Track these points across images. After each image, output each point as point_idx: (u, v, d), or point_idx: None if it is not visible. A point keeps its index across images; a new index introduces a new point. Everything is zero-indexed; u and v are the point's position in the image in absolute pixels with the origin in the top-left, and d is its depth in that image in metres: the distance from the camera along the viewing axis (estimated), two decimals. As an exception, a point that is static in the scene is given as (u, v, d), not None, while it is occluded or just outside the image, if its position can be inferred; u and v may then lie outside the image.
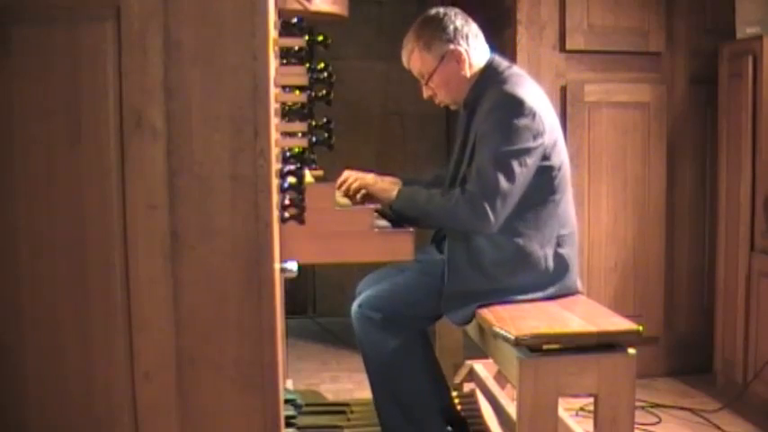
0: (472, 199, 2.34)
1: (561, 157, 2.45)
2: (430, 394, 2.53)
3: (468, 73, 2.49)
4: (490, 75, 2.48)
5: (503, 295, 2.41)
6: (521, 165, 2.33)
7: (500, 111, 2.37)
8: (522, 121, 2.33)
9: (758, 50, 3.23)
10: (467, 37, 2.48)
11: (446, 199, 2.40)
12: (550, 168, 2.41)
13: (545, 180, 2.41)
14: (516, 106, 2.35)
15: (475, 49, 2.50)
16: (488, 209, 2.32)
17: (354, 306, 2.50)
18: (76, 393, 1.39)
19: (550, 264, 2.43)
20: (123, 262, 1.37)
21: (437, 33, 2.47)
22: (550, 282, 2.45)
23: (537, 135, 2.35)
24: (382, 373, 2.49)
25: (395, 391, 2.48)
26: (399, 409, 2.48)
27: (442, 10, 2.52)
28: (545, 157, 2.39)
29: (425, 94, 2.56)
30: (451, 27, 2.47)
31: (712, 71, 3.56)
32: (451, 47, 2.46)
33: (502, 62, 2.53)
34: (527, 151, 2.34)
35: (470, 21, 2.53)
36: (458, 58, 2.47)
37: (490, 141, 2.36)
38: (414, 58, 2.51)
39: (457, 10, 2.54)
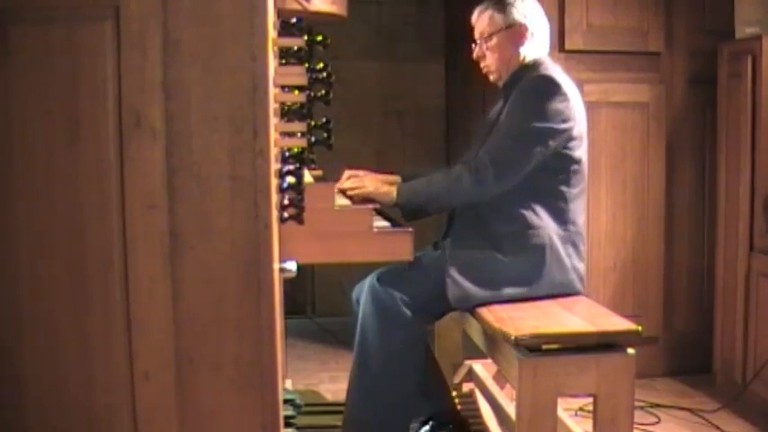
0: (478, 165, 2.36)
1: (583, 153, 2.48)
2: (413, 400, 2.42)
3: (522, 52, 2.53)
4: (534, 67, 2.51)
5: (497, 273, 2.38)
6: (540, 143, 2.35)
7: (534, 90, 2.42)
8: (554, 103, 2.37)
9: (757, 50, 3.23)
10: (538, 23, 2.56)
11: (447, 174, 2.42)
12: (571, 159, 2.43)
13: (564, 168, 2.43)
14: (551, 86, 2.39)
15: (539, 38, 2.56)
16: (492, 173, 2.34)
17: (371, 280, 2.39)
18: (76, 394, 1.39)
19: (548, 248, 2.40)
20: (122, 262, 1.37)
21: (517, 3, 2.53)
22: (540, 274, 2.40)
23: (566, 119, 2.38)
24: (378, 361, 2.35)
25: (382, 388, 2.35)
26: (374, 405, 2.36)
27: None
28: (568, 147, 2.41)
29: (476, 53, 2.59)
30: (530, 7, 2.54)
31: (711, 71, 3.56)
32: (522, 20, 2.52)
33: (550, 61, 2.57)
34: (551, 132, 2.36)
35: (545, 17, 2.59)
36: (522, 33, 2.52)
37: (516, 115, 2.40)
38: (484, 15, 2.55)
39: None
